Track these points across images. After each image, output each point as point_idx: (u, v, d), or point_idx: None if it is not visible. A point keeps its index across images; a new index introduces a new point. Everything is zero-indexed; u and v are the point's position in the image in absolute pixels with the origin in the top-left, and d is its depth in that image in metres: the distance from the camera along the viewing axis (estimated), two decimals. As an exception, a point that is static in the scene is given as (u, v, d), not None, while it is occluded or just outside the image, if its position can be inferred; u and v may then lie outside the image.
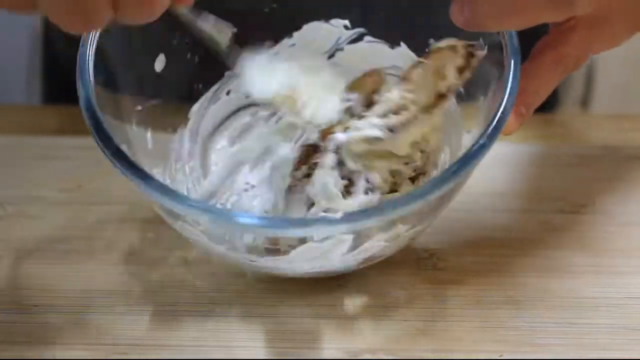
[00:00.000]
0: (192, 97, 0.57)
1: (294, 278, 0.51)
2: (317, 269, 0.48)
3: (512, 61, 0.47)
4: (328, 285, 0.51)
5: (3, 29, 0.93)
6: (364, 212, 0.44)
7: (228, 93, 0.58)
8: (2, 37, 0.93)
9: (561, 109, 0.87)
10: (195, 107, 0.56)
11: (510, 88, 0.46)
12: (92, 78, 0.47)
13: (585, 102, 0.95)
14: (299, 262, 0.47)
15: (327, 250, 0.45)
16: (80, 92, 0.46)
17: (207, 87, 0.57)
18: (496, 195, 0.61)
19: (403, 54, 0.55)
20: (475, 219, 0.58)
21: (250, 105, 0.59)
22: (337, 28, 0.57)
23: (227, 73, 0.57)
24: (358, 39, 0.57)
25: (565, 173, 0.64)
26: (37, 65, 0.90)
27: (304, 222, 0.45)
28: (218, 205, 0.54)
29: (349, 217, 0.43)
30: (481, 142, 0.44)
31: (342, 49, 0.57)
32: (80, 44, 0.47)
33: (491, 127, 0.45)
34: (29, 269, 0.53)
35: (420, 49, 0.54)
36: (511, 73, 0.46)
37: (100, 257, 0.54)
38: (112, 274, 0.52)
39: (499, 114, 0.45)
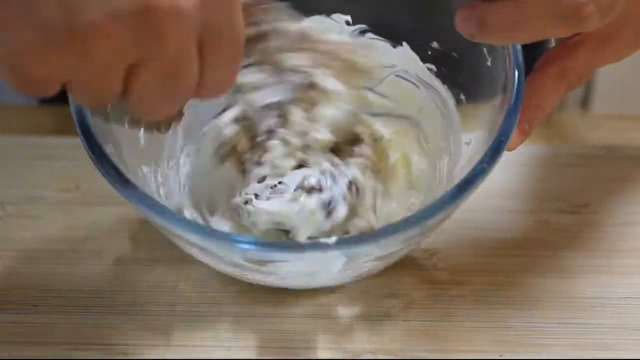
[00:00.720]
0: None
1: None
2: (311, 284, 0.48)
3: (516, 79, 0.46)
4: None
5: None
6: (358, 238, 0.44)
7: None
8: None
9: (561, 109, 0.87)
10: (190, 102, 0.56)
11: (513, 111, 0.45)
12: None
13: (585, 102, 0.95)
14: (291, 280, 0.46)
15: (318, 270, 0.45)
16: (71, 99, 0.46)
17: None
18: (496, 196, 0.61)
19: (405, 54, 0.55)
20: (475, 219, 0.58)
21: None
22: (338, 24, 0.57)
23: None
24: (360, 35, 0.57)
25: (565, 173, 0.64)
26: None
27: (297, 247, 0.44)
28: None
29: (342, 242, 0.42)
30: (481, 167, 0.44)
31: None
32: None
33: (491, 151, 0.45)
34: (29, 269, 0.53)
35: (422, 49, 0.54)
36: (514, 94, 0.46)
37: (100, 257, 0.54)
38: (112, 273, 0.52)
39: (500, 138, 0.45)
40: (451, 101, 0.53)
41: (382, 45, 0.56)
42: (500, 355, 0.46)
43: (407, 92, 0.55)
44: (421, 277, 0.52)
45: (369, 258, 0.46)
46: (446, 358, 0.46)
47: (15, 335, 0.47)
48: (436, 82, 0.53)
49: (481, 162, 0.44)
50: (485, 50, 0.49)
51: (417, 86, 0.55)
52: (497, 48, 0.48)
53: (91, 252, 0.54)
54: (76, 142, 0.66)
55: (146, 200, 0.43)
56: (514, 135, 0.46)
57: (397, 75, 0.56)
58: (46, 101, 0.86)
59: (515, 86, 0.46)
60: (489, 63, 0.49)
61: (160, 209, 0.43)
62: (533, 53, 0.50)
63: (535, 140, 0.70)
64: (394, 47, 0.55)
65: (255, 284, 0.51)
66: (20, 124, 0.72)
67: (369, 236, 0.43)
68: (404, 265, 0.53)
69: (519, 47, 0.47)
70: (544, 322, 0.49)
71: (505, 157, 0.65)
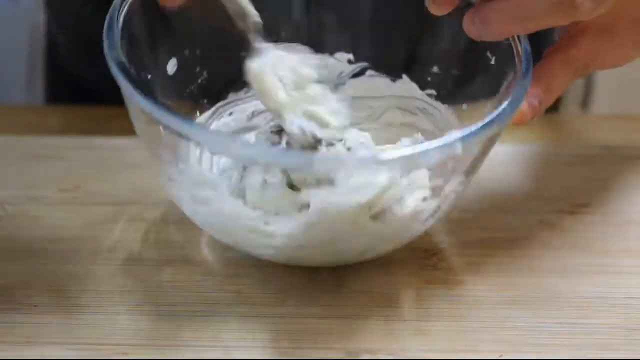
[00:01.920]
0: (194, 109, 0.57)
1: (293, 278, 0.52)
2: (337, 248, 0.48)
3: (525, 51, 0.49)
4: (328, 285, 0.51)
5: (3, 29, 0.93)
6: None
7: (230, 114, 0.58)
8: (3, 36, 0.93)
9: (561, 109, 0.87)
10: (197, 121, 0.56)
11: (525, 70, 0.48)
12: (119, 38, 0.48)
13: (585, 102, 0.95)
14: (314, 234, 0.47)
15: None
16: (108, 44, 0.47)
17: (211, 103, 0.57)
18: (496, 195, 0.61)
19: (405, 86, 0.56)
20: (476, 219, 0.58)
21: (251, 128, 0.58)
22: (340, 62, 0.57)
23: (231, 95, 0.58)
24: (360, 72, 0.57)
25: (565, 173, 0.64)
26: (36, 65, 0.90)
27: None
28: None
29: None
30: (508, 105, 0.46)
31: (344, 84, 0.58)
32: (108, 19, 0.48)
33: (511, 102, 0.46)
34: (29, 268, 0.53)
35: (423, 76, 0.55)
36: (524, 60, 0.48)
37: (100, 257, 0.54)
38: (112, 273, 0.52)
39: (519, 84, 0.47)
40: (453, 117, 0.53)
41: (382, 81, 0.56)
42: (500, 355, 0.46)
43: (408, 122, 0.57)
44: (421, 277, 0.52)
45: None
46: (446, 358, 0.46)
47: (15, 335, 0.47)
48: (437, 104, 0.54)
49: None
50: (488, 52, 0.51)
51: (416, 114, 0.56)
52: (501, 44, 0.49)
53: (91, 252, 0.54)
54: (76, 142, 0.66)
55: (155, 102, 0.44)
56: (525, 108, 0.48)
57: (398, 108, 0.57)
58: (53, 101, 0.87)
59: (525, 55, 0.49)
60: (492, 62, 0.51)
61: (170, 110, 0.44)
62: (536, 49, 0.51)
63: (535, 140, 0.70)
64: (394, 81, 0.56)
65: (255, 284, 0.51)
66: (21, 124, 0.72)
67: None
68: (404, 265, 0.53)
69: (522, 36, 0.49)
70: (544, 322, 0.49)
71: (506, 157, 0.65)
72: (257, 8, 0.50)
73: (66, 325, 0.48)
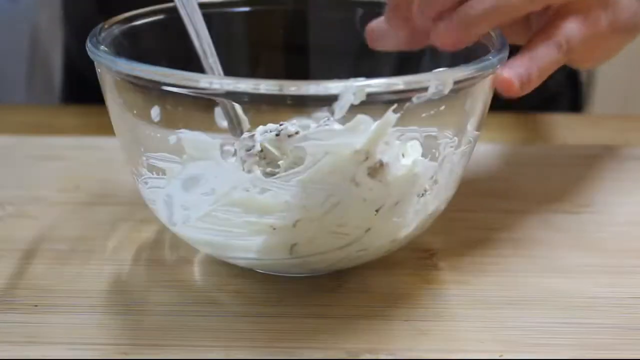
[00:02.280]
0: None
1: (294, 278, 0.52)
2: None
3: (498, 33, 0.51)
4: (328, 285, 0.51)
5: (3, 29, 0.94)
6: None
7: None
8: (3, 36, 0.93)
9: (561, 109, 0.87)
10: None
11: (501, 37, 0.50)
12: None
13: (585, 102, 0.95)
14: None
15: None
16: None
17: None
18: (496, 195, 0.61)
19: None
20: (475, 219, 0.58)
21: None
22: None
23: None
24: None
25: (565, 173, 0.64)
26: (36, 65, 0.91)
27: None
28: None
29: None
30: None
31: None
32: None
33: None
34: (29, 269, 0.53)
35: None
36: (499, 37, 0.51)
37: (100, 257, 0.54)
38: (112, 273, 0.53)
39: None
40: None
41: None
42: (500, 355, 0.46)
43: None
44: (421, 277, 0.52)
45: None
46: (446, 358, 0.46)
47: (15, 335, 0.47)
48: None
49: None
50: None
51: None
52: (476, 51, 0.50)
53: (91, 252, 0.54)
54: (76, 142, 0.67)
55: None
56: (512, 78, 0.49)
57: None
58: (67, 100, 0.87)
59: (499, 36, 0.51)
60: None
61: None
62: None
63: (535, 140, 0.70)
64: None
65: (255, 284, 0.51)
66: (21, 124, 0.72)
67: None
68: (404, 265, 0.53)
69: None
70: (544, 322, 0.49)
71: (506, 157, 0.65)
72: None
73: (66, 325, 0.48)
